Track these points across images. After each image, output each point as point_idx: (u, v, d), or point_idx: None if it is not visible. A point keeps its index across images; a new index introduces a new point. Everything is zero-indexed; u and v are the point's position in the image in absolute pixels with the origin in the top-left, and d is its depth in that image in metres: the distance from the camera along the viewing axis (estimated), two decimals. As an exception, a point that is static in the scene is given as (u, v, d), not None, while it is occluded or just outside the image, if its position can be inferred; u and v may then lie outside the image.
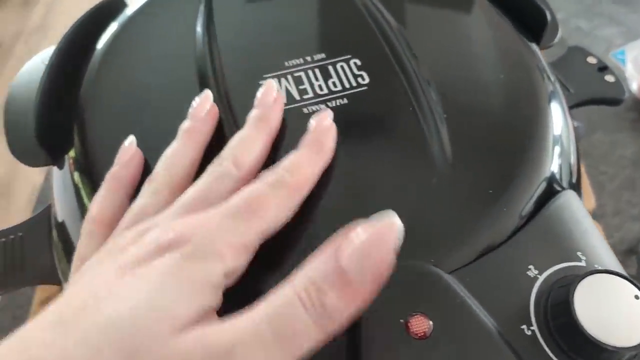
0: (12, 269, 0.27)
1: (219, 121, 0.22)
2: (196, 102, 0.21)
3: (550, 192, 0.21)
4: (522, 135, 0.21)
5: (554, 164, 0.21)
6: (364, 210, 0.19)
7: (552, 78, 0.25)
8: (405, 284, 0.17)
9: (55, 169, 0.25)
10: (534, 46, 0.26)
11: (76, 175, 0.23)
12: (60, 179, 0.24)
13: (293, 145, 0.20)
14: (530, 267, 0.18)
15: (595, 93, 0.32)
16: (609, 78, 0.34)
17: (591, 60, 0.34)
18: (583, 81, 0.33)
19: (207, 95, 0.21)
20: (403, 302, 0.17)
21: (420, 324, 0.17)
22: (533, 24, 0.26)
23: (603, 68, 0.34)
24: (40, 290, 0.38)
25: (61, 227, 0.24)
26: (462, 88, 0.23)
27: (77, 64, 0.25)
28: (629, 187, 0.44)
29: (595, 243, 0.19)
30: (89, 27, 0.26)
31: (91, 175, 0.22)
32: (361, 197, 0.20)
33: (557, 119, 0.23)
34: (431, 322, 0.17)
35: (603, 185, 0.44)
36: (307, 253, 0.15)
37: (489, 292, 0.18)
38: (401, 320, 0.17)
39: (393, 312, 0.17)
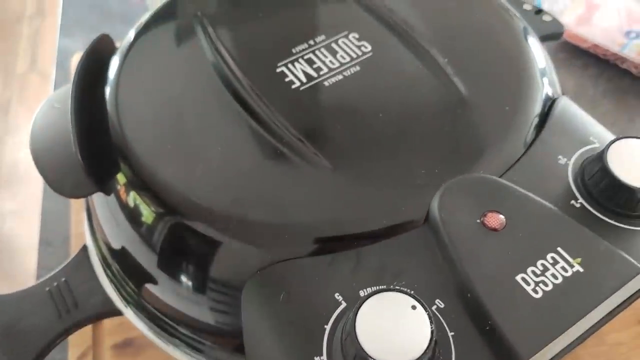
0: (67, 311, 0.27)
1: (251, 108, 0.24)
2: None
3: (551, 99, 0.24)
4: (516, 58, 0.25)
5: (546, 77, 0.25)
6: (413, 145, 0.22)
7: (516, 13, 0.29)
8: (470, 193, 0.20)
9: (97, 198, 0.25)
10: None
11: (132, 195, 0.23)
12: (108, 206, 0.25)
13: (315, 117, 0.23)
14: (559, 156, 0.22)
15: (539, 32, 0.37)
16: (546, 17, 0.39)
17: (527, 7, 0.40)
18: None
19: None
20: (473, 206, 0.20)
21: (495, 219, 0.19)
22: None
23: (539, 11, 0.40)
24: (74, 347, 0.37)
25: (121, 253, 0.25)
26: (448, 33, 0.26)
27: (95, 95, 0.26)
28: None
29: (599, 129, 0.23)
30: (93, 62, 0.27)
31: (151, 190, 0.23)
32: (408, 135, 0.22)
33: (534, 41, 0.27)
34: (502, 216, 0.19)
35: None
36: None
37: (535, 184, 0.21)
38: (477, 221, 0.19)
39: (467, 215, 0.19)
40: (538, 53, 0.27)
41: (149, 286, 0.25)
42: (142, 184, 0.23)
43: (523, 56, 0.25)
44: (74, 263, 0.28)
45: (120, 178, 0.24)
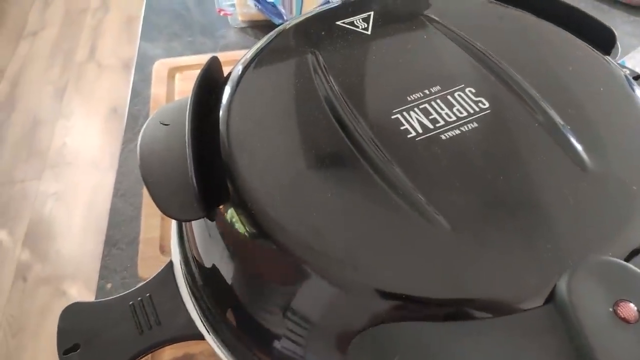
0: (149, 328, 0.27)
1: (367, 153, 0.23)
2: None
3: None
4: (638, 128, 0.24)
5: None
6: (536, 215, 0.21)
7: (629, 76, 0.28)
8: (601, 277, 0.19)
9: (198, 221, 0.26)
10: (609, 58, 0.29)
11: (236, 224, 0.23)
12: (208, 230, 0.25)
13: (433, 172, 0.23)
14: (692, 248, 0.21)
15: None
16: (646, 84, 0.38)
17: (625, 71, 0.39)
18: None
19: None
20: (604, 293, 0.19)
21: (628, 310, 0.18)
22: (601, 42, 0.29)
23: (636, 77, 0.39)
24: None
25: (214, 278, 0.25)
26: (568, 96, 0.26)
27: (204, 116, 0.26)
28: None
29: None
30: (206, 87, 0.27)
31: (253, 221, 0.23)
32: (531, 204, 0.22)
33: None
34: (635, 307, 0.18)
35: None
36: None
37: (666, 274, 0.20)
38: (610, 309, 0.18)
39: (599, 303, 0.18)
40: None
41: (241, 317, 0.24)
42: (253, 220, 0.23)
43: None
44: (159, 279, 0.29)
45: (229, 206, 0.24)
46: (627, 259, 0.20)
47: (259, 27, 0.62)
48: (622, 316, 0.18)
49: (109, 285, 0.42)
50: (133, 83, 0.57)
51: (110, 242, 0.45)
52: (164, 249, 0.42)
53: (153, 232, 0.43)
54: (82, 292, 1.24)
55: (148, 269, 0.41)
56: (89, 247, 1.33)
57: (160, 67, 0.55)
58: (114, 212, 0.47)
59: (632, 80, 0.28)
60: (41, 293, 1.25)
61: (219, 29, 0.62)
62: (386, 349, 0.19)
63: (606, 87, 0.26)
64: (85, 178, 1.49)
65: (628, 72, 0.38)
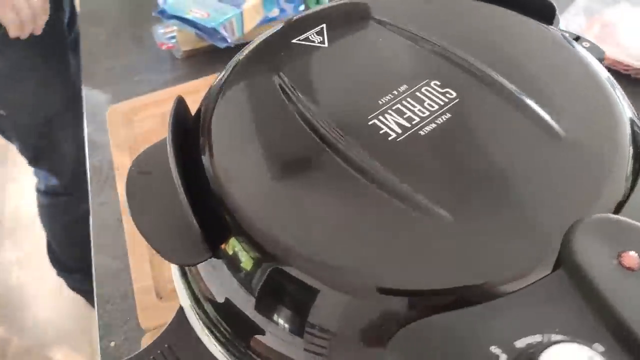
0: (175, 380, 0.26)
1: (361, 168, 0.24)
2: None
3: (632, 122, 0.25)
4: (601, 97, 0.26)
5: (626, 105, 0.26)
6: (525, 191, 0.23)
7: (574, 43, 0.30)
8: (599, 235, 0.20)
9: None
10: (552, 28, 0.31)
11: (243, 256, 0.23)
12: (215, 268, 0.25)
13: (422, 168, 0.24)
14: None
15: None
16: (585, 44, 0.40)
17: (565, 35, 0.41)
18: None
19: None
20: (607, 248, 0.20)
21: (632, 259, 0.20)
22: (543, 14, 0.31)
23: (577, 38, 0.41)
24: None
25: (227, 305, 0.25)
26: (527, 72, 0.27)
27: (188, 160, 0.26)
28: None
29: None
30: (179, 129, 0.27)
31: (261, 250, 0.23)
32: (518, 181, 0.23)
33: (604, 69, 0.28)
34: (636, 254, 0.20)
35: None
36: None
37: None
38: (614, 262, 0.20)
39: (604, 258, 0.20)
40: (611, 80, 0.27)
41: (266, 344, 0.25)
42: (261, 249, 0.23)
43: (601, 86, 0.26)
44: (174, 327, 0.28)
45: (233, 241, 0.24)
46: (616, 213, 0.22)
47: (204, 53, 0.61)
48: (627, 265, 0.20)
49: (112, 344, 0.41)
50: (88, 134, 0.56)
51: (103, 299, 0.44)
52: (160, 295, 0.41)
53: (145, 280, 0.42)
54: (70, 356, 1.19)
55: (149, 318, 0.40)
56: (66, 309, 1.28)
57: (113, 112, 0.54)
58: (99, 268, 0.45)
59: (575, 43, 0.30)
60: (26, 366, 1.20)
61: (164, 63, 0.61)
62: (423, 347, 0.19)
63: (555, 54, 0.28)
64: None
65: (567, 34, 0.41)
